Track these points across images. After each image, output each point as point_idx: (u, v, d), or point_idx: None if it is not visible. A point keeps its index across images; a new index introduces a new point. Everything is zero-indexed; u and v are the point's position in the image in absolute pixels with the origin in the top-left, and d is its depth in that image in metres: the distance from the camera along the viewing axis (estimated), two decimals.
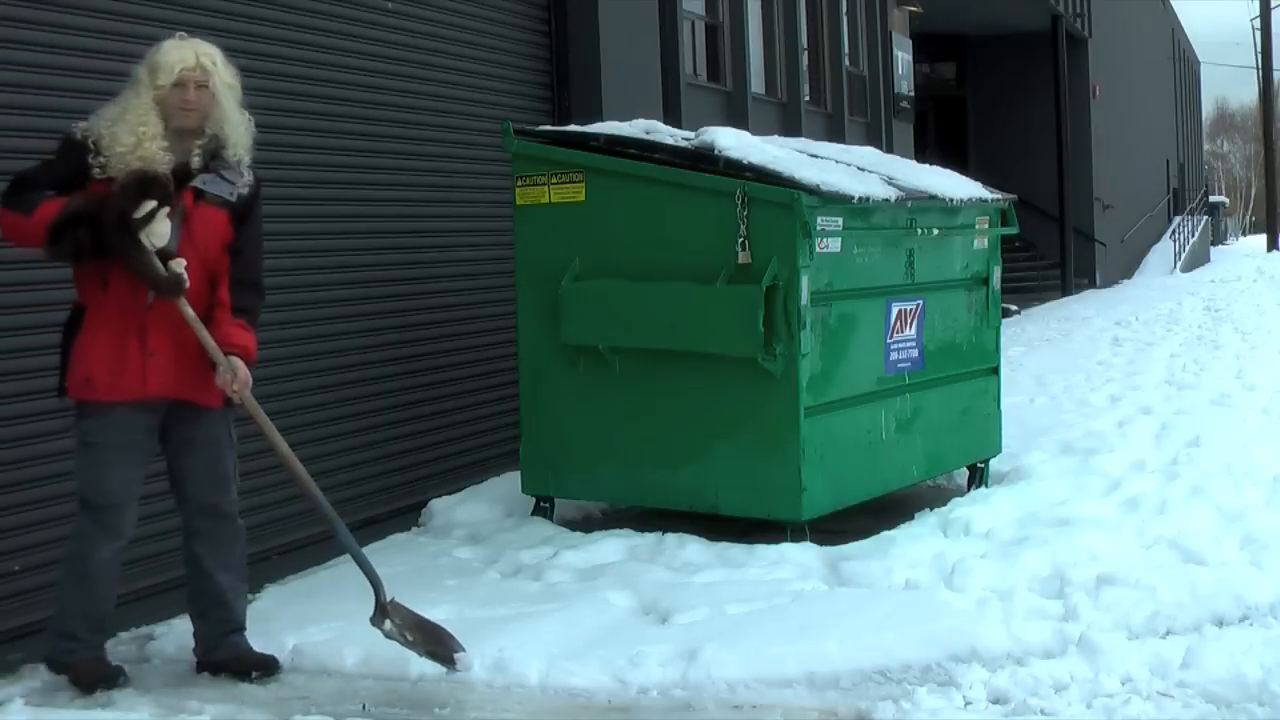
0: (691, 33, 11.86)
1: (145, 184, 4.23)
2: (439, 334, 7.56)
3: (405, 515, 6.77)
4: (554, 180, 6.32)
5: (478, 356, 7.83)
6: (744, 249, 5.82)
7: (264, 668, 4.59)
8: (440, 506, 6.71)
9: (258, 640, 4.71)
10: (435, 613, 5.07)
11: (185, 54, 4.38)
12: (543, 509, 6.57)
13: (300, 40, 6.72)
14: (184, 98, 4.36)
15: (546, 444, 6.44)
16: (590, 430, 6.31)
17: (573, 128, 6.93)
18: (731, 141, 6.11)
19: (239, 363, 4.42)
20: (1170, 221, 35.93)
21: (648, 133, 6.47)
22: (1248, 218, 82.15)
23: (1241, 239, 65.92)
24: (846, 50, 15.60)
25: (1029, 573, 5.33)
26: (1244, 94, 77.16)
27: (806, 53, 14.40)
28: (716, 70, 12.47)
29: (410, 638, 4.44)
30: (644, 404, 6.18)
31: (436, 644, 4.49)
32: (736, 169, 5.94)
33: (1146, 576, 5.12)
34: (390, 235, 7.27)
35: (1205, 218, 43.04)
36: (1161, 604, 4.88)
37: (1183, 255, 33.26)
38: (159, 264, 4.25)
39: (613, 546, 5.89)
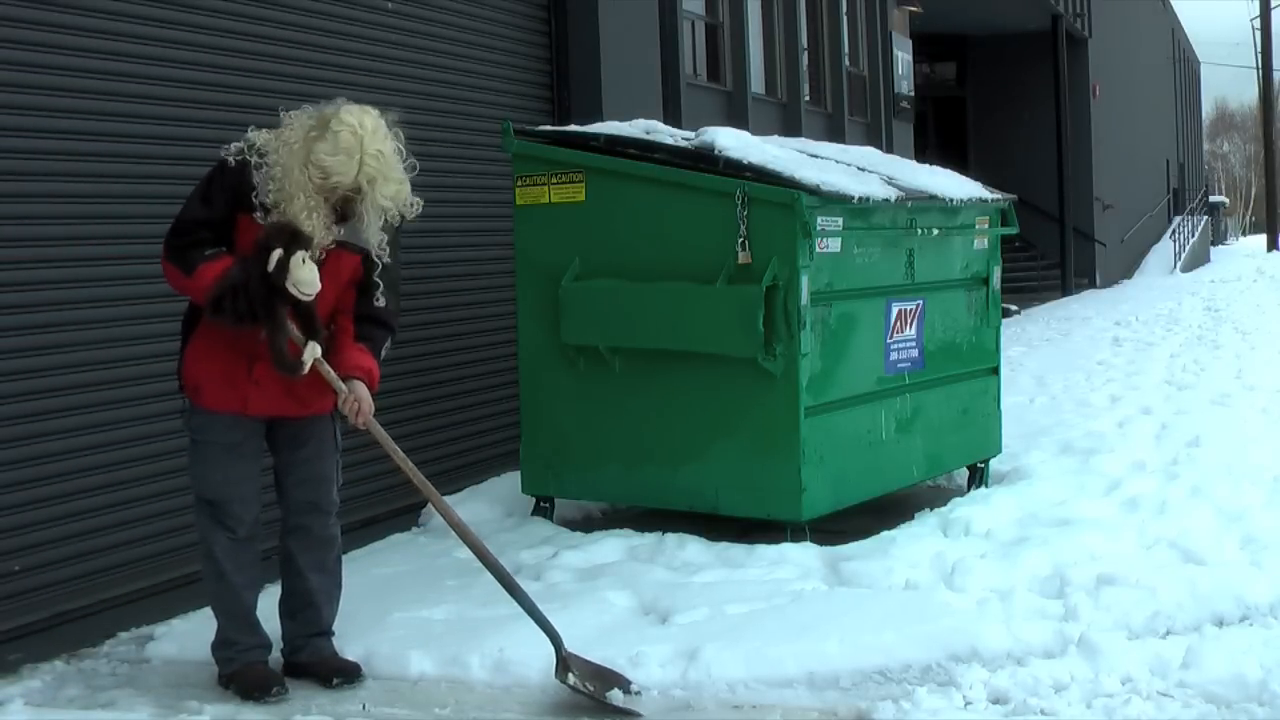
0: (691, 33, 11.86)
1: (269, 234, 4.20)
2: (439, 334, 7.56)
3: (405, 515, 6.76)
4: (554, 180, 6.32)
5: (478, 356, 7.83)
6: (744, 249, 5.82)
7: (346, 674, 4.54)
8: None
9: None
10: (435, 613, 5.08)
11: (349, 168, 4.28)
12: (543, 509, 6.57)
13: (300, 40, 6.72)
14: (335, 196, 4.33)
15: (546, 444, 6.44)
16: (590, 430, 6.31)
17: (573, 128, 6.93)
18: (731, 141, 6.11)
19: (362, 389, 4.41)
20: (1170, 221, 35.93)
21: (648, 133, 6.47)
22: (1248, 218, 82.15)
23: (1241, 239, 65.90)
24: (846, 50, 15.59)
25: (1029, 573, 5.33)
26: (1244, 94, 77.17)
27: (806, 53, 14.40)
28: (716, 70, 12.46)
29: (592, 687, 4.31)
30: (644, 404, 6.17)
31: (614, 686, 4.34)
32: (736, 169, 5.94)
33: (1146, 576, 5.12)
34: None
35: (1205, 218, 43.04)
36: (1161, 604, 4.88)
37: (1183, 255, 33.25)
38: (285, 347, 4.23)
39: (613, 546, 5.89)
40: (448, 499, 6.70)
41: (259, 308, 4.19)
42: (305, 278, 4.21)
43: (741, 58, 12.47)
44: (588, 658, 4.43)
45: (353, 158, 4.29)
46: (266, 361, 4.30)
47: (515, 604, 4.50)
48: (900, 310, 6.52)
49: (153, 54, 5.80)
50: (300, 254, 4.19)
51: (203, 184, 4.38)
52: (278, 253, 4.16)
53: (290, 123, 4.38)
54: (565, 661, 4.36)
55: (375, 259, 4.47)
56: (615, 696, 4.29)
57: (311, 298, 4.24)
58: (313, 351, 4.28)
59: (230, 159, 4.31)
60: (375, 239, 4.43)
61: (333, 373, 4.37)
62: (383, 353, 4.57)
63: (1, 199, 5.18)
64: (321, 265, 4.33)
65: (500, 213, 7.24)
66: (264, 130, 4.37)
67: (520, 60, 8.62)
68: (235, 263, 4.24)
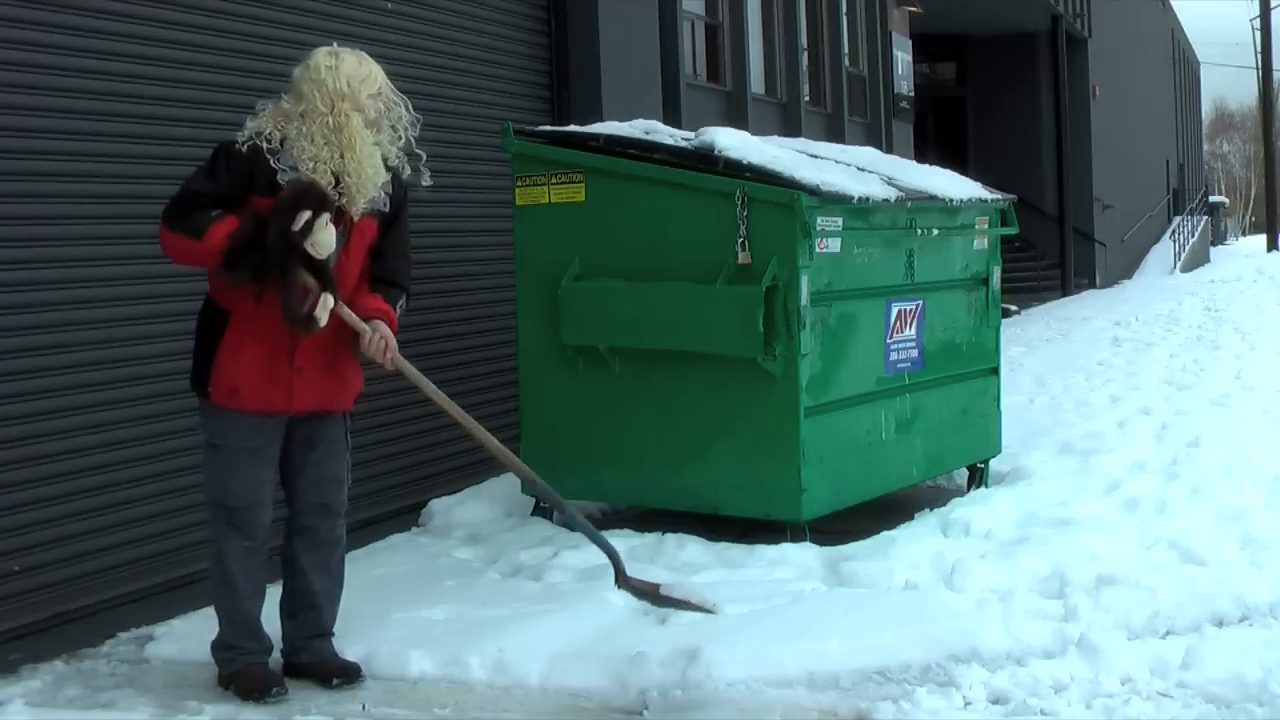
0: (691, 33, 11.86)
1: (300, 195, 4.15)
2: (439, 334, 7.55)
3: (405, 515, 6.76)
4: (554, 180, 6.32)
5: (478, 356, 7.83)
6: (744, 249, 5.82)
7: (346, 675, 4.53)
8: (440, 507, 6.71)
9: None
10: (435, 613, 5.09)
11: (375, 67, 4.40)
12: (543, 509, 6.56)
13: (299, 40, 6.68)
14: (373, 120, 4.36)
15: (546, 444, 6.44)
16: (590, 430, 6.31)
17: (573, 128, 6.93)
18: (731, 142, 6.11)
19: (385, 327, 4.40)
20: (1170, 222, 35.94)
21: (647, 133, 6.47)
22: (1248, 218, 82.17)
23: (1241, 239, 65.88)
24: (846, 50, 15.60)
25: (1029, 573, 5.33)
26: (1244, 94, 77.11)
27: (806, 53, 14.40)
28: (716, 70, 12.47)
29: (656, 595, 4.48)
30: (644, 404, 6.17)
31: (685, 597, 4.52)
32: (736, 169, 5.94)
33: (1146, 576, 5.13)
34: None
35: (1205, 218, 43.04)
36: (1161, 604, 4.88)
37: (1183, 255, 33.26)
38: (297, 304, 4.16)
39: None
40: (446, 499, 6.77)
41: (275, 265, 4.13)
42: (325, 240, 4.16)
43: (741, 58, 12.47)
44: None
45: (368, 62, 4.41)
46: (309, 345, 4.27)
47: (514, 604, 4.50)
48: (900, 310, 6.52)
49: (151, 54, 5.80)
50: (325, 216, 4.16)
51: (206, 163, 4.30)
52: (306, 214, 4.11)
53: (286, 103, 4.33)
54: (626, 577, 4.46)
55: (391, 202, 4.45)
56: (672, 589, 4.47)
57: (324, 258, 4.19)
58: (326, 302, 4.19)
59: (238, 145, 4.24)
60: (395, 149, 4.47)
61: (354, 315, 4.33)
62: (398, 308, 4.55)
63: (1, 199, 5.18)
64: (349, 236, 4.34)
65: (500, 213, 7.24)
66: (259, 115, 4.32)
67: (520, 61, 8.62)
68: (248, 216, 4.16)
